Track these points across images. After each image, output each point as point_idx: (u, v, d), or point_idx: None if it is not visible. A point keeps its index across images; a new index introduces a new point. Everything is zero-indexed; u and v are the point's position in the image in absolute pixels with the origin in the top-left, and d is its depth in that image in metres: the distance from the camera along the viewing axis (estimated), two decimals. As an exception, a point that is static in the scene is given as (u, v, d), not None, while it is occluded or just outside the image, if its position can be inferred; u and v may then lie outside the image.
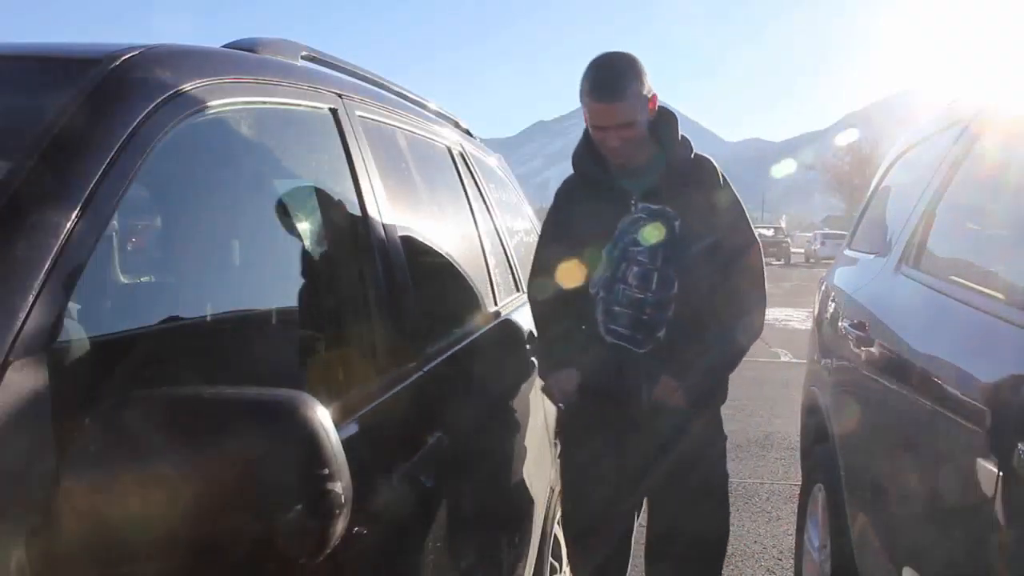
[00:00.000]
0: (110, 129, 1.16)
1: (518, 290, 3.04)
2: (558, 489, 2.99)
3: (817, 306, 4.02)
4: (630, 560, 3.10)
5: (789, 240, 47.53)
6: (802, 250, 48.47)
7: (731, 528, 4.86)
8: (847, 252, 3.97)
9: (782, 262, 41.67)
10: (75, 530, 0.85)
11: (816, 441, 3.47)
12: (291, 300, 1.59)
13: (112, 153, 1.13)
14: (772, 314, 16.34)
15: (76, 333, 1.03)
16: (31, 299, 0.94)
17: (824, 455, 3.21)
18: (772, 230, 50.97)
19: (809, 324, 4.61)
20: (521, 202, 3.82)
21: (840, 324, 3.11)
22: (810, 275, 27.73)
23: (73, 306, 1.00)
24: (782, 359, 11.35)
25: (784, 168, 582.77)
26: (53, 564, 0.85)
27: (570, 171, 2.77)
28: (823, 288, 4.03)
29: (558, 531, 3.04)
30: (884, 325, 2.61)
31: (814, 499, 3.46)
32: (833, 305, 3.49)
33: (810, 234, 53.49)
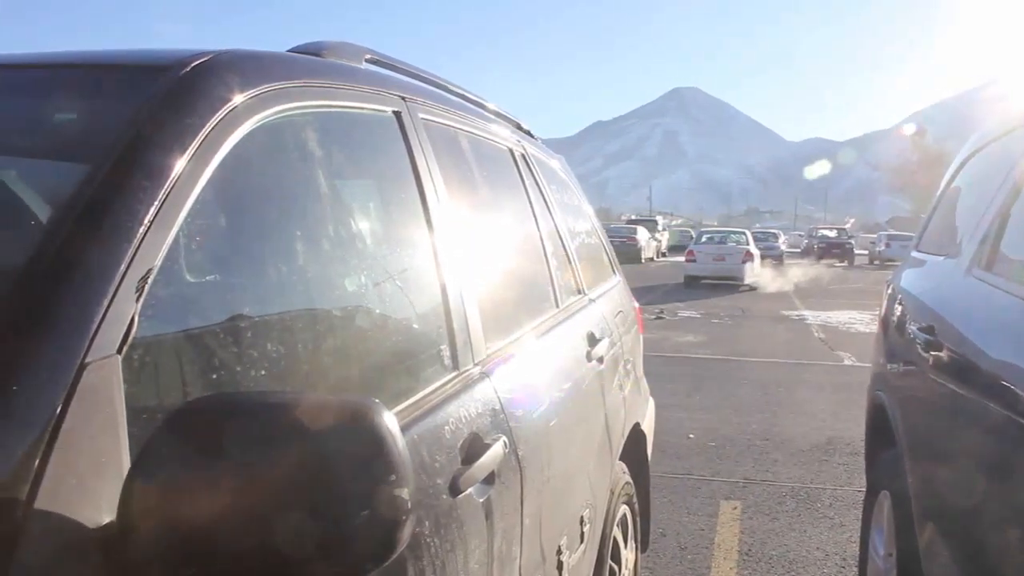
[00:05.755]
0: (181, 134, 1.18)
1: (579, 292, 3.03)
2: (617, 491, 2.98)
3: (883, 309, 3.94)
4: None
5: (852, 242, 46.63)
6: (865, 252, 47.55)
7: (792, 533, 4.83)
8: (915, 254, 3.89)
9: (845, 264, 40.94)
10: (146, 530, 0.86)
11: (882, 447, 3.40)
12: (354, 301, 1.60)
13: (184, 158, 1.15)
14: (836, 317, 16.19)
15: (148, 334, 1.05)
16: (106, 303, 0.96)
17: (890, 461, 3.14)
18: (835, 231, 50.08)
19: (873, 327, 4.52)
20: (583, 204, 3.80)
21: (908, 327, 3.05)
22: (874, 277, 27.27)
23: (145, 307, 1.02)
24: (845, 363, 11.16)
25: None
26: (124, 564, 0.87)
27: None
28: (889, 291, 3.95)
29: (617, 533, 3.03)
30: (954, 329, 2.55)
31: (879, 506, 3.39)
32: (900, 308, 3.41)
33: (874, 235, 52.45)
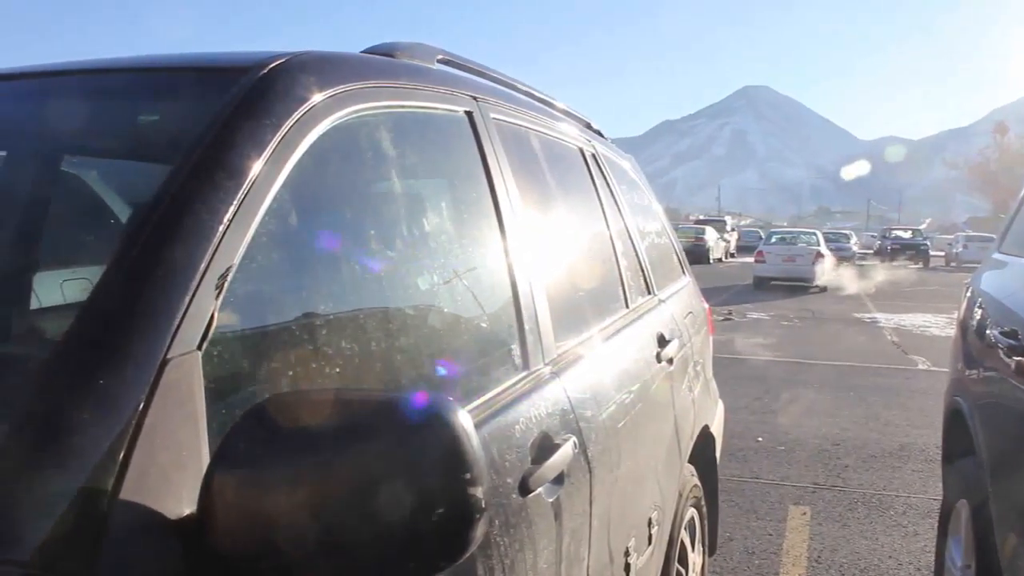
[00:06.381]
0: (260, 134, 1.20)
1: (649, 292, 3.01)
2: (686, 493, 2.95)
3: (962, 312, 3.83)
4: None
5: (928, 243, 45.42)
6: (942, 253, 46.27)
7: (863, 540, 4.73)
8: (996, 255, 3.77)
9: (920, 266, 39.91)
10: (225, 523, 0.88)
11: (960, 454, 3.30)
12: (426, 300, 1.61)
13: (262, 157, 1.17)
14: (910, 320, 15.81)
15: (226, 330, 1.07)
16: (187, 300, 0.99)
17: (969, 470, 3.05)
18: (909, 232, 48.87)
19: (950, 331, 4.40)
20: (652, 203, 3.77)
21: (989, 331, 2.96)
22: (950, 280, 26.55)
23: (223, 304, 1.05)
24: (919, 367, 10.88)
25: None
26: (204, 555, 0.88)
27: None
28: (968, 293, 3.84)
29: (685, 536, 3.00)
30: (1040, 334, 2.47)
31: (956, 515, 3.30)
32: (980, 311, 3.31)
33: (951, 236, 50.96)
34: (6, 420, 0.89)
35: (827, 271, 24.47)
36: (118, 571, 0.83)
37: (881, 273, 29.90)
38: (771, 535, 4.85)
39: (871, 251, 49.74)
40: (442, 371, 1.53)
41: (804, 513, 5.22)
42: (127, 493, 0.86)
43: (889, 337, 14.00)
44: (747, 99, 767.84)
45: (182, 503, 0.91)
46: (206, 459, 0.95)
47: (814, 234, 27.82)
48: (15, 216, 1.87)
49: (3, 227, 1.88)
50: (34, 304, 1.84)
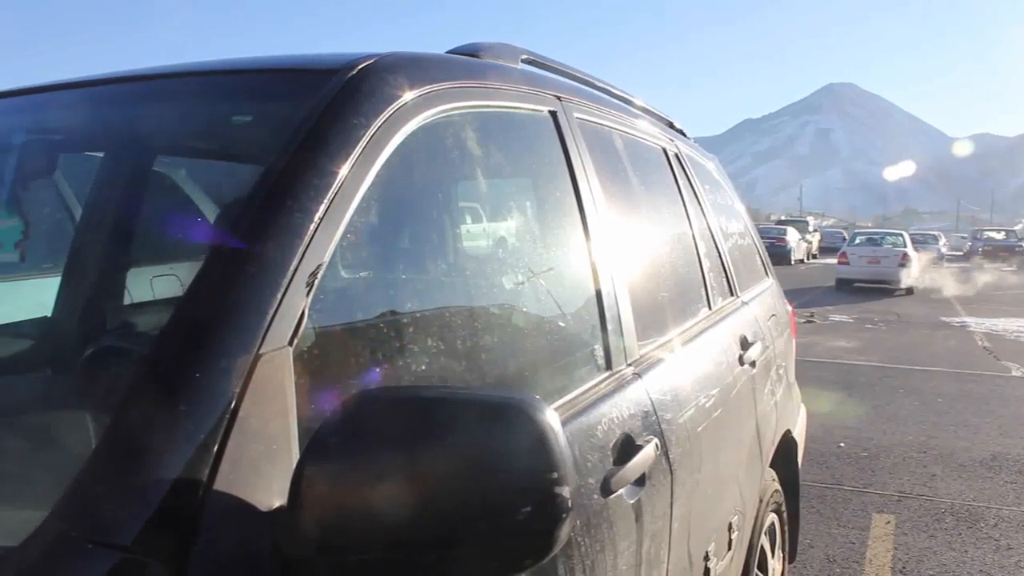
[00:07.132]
0: (351, 134, 1.22)
1: (732, 294, 2.97)
2: (766, 498, 2.90)
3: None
4: None
5: (1023, 244, 43.77)
6: (1037, 255, 44.54)
7: (951, 552, 4.58)
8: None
9: (1013, 268, 38.47)
10: (314, 515, 0.90)
11: (1057, 466, 3.17)
12: (510, 299, 1.62)
13: (352, 157, 1.19)
14: (1002, 325, 15.26)
15: (314, 327, 1.09)
16: (279, 296, 1.01)
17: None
18: (1002, 233, 47.19)
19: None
20: (735, 203, 3.72)
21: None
22: (1046, 283, 25.51)
23: (313, 301, 1.07)
24: (1013, 373, 10.48)
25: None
26: (294, 547, 0.90)
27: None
28: (1068, 299, 3.68)
29: (765, 542, 2.95)
30: None
31: (1053, 529, 3.17)
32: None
33: (1049, 238, 49.03)
34: (109, 411, 0.92)
35: (914, 273, 23.74)
36: (212, 559, 0.86)
37: (972, 275, 28.91)
38: (853, 543, 4.74)
39: (960, 253, 48.25)
40: (526, 370, 1.54)
41: (888, 522, 5.08)
42: (220, 484, 0.88)
43: (980, 342, 13.52)
44: (831, 96, 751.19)
45: (272, 495, 0.93)
46: (296, 453, 0.97)
47: (900, 235, 27.01)
48: (111, 214, 1.94)
49: (99, 225, 1.95)
50: (127, 300, 1.91)
